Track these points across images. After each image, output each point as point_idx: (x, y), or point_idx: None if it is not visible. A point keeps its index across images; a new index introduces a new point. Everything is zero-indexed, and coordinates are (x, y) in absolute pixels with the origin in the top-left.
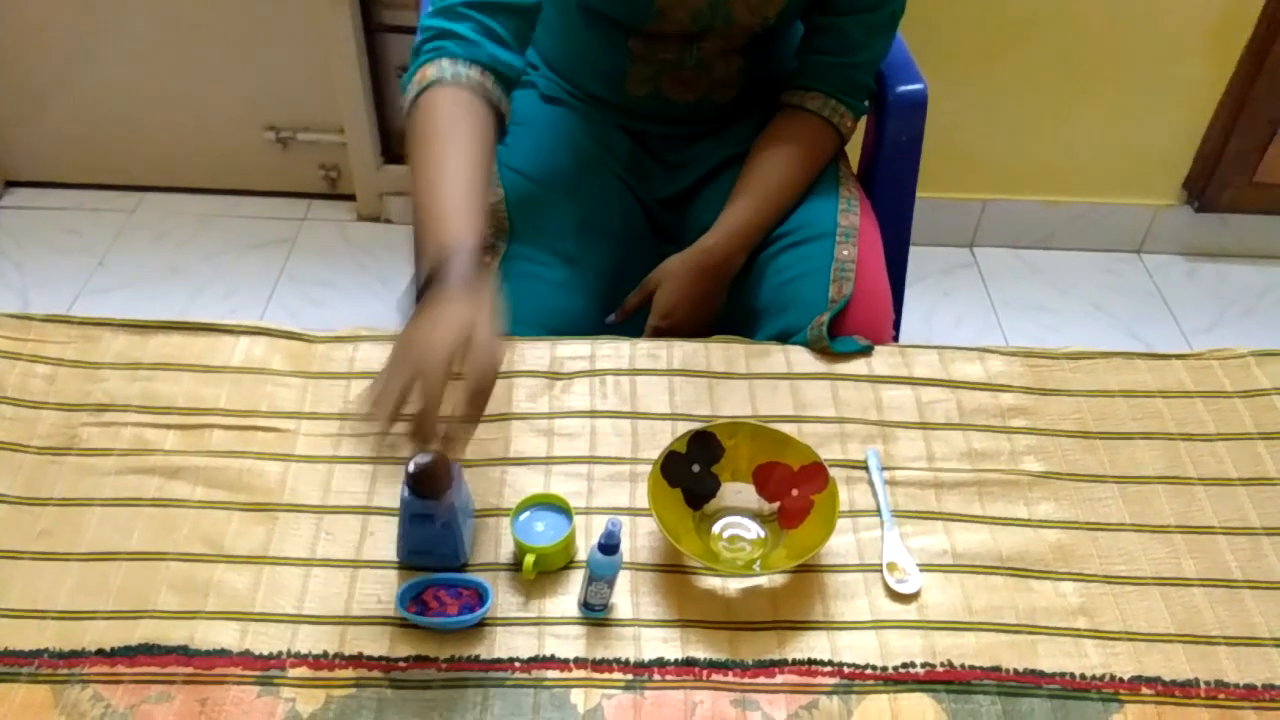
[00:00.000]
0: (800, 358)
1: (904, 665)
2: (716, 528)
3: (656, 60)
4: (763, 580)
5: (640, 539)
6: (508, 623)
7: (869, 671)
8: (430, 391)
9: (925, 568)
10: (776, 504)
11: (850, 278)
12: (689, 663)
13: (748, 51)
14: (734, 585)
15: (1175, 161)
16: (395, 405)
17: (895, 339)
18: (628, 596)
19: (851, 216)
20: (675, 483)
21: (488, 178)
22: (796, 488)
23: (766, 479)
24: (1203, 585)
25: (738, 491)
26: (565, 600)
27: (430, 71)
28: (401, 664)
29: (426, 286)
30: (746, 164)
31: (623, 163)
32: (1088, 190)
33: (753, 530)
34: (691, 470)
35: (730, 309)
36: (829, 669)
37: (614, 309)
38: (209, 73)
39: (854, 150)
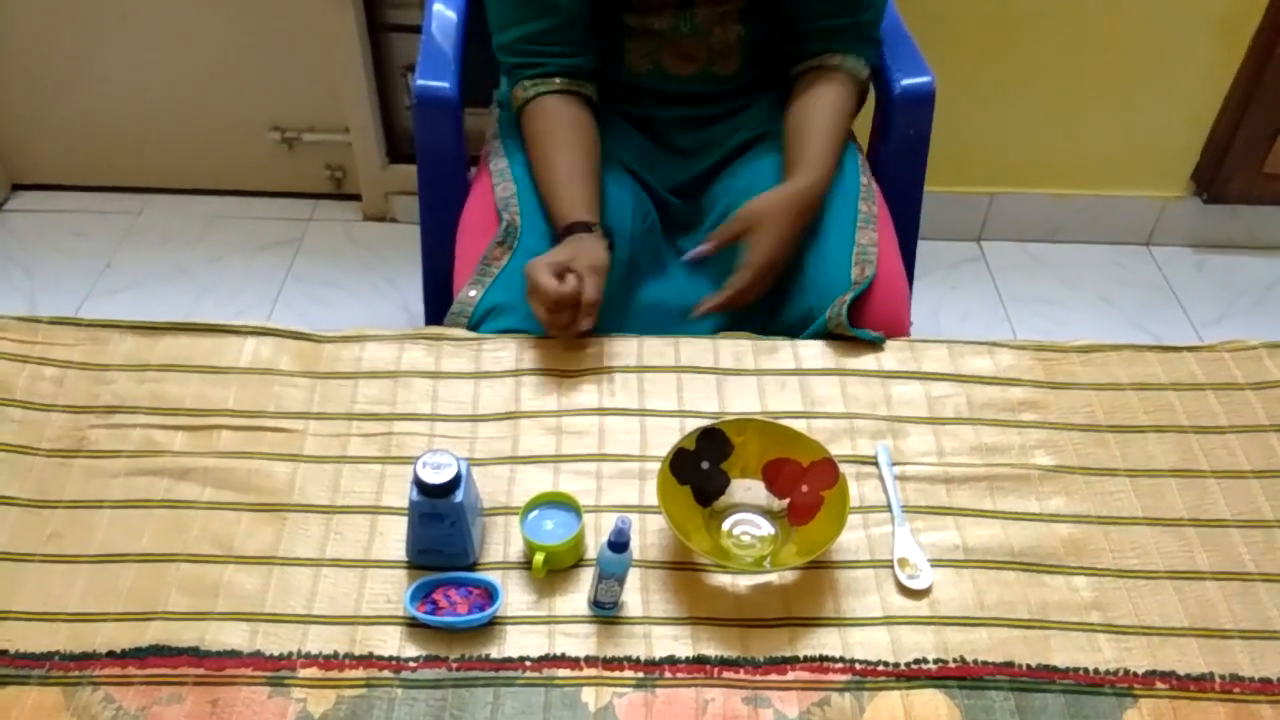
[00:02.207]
0: (809, 353)
1: (916, 661)
2: (726, 525)
3: (652, 31)
4: (773, 577)
5: (650, 536)
6: (518, 621)
7: (881, 668)
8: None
9: (936, 563)
10: (786, 500)
11: (872, 260)
12: (700, 660)
13: (745, 18)
14: (744, 582)
15: (1184, 153)
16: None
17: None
18: (638, 594)
19: (870, 204)
20: (684, 480)
21: (589, 159)
22: (806, 484)
23: (776, 475)
24: (1216, 578)
25: (747, 488)
26: (575, 598)
27: (518, 93)
28: (412, 664)
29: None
30: (792, 122)
31: (631, 154)
32: (1096, 183)
33: (763, 527)
34: (701, 467)
35: None
36: (841, 665)
37: (622, 304)
38: (214, 74)
39: (862, 143)
